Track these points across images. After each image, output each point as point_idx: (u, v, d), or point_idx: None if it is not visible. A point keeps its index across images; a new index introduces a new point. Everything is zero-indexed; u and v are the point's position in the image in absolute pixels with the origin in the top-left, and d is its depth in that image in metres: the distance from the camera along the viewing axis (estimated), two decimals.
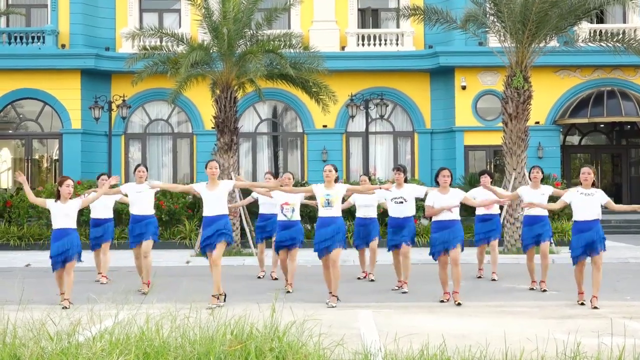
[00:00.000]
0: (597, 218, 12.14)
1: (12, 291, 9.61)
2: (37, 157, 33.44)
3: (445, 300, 12.61)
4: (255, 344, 7.20)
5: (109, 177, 15.81)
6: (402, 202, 13.90)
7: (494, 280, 15.80)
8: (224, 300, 12.31)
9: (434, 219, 12.71)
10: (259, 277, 16.39)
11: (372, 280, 15.78)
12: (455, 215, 12.62)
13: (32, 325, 7.73)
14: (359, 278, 16.03)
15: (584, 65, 31.99)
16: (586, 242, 12.03)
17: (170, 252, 22.37)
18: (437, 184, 12.74)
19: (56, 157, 32.72)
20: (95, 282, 15.65)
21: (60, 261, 12.35)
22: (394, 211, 14.09)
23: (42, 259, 20.97)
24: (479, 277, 16.14)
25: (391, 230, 14.14)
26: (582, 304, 12.17)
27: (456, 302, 12.29)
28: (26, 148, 32.80)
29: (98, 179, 16.22)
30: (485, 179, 15.47)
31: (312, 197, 13.30)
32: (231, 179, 22.22)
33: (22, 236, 24.43)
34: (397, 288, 14.33)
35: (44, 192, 25.47)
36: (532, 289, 14.42)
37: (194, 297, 8.73)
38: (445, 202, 12.51)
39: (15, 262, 20.54)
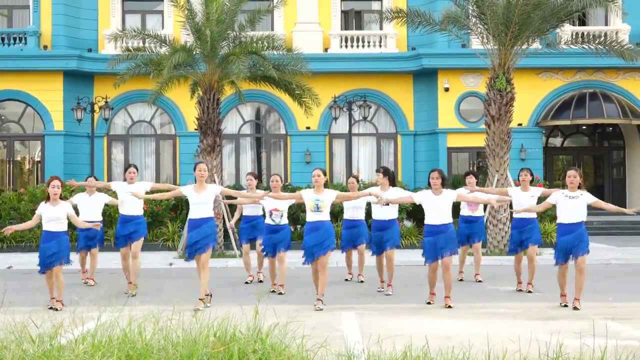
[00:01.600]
0: (582, 220, 12.21)
1: None
2: (19, 158, 33.25)
3: (432, 302, 12.61)
4: (238, 346, 7.18)
5: (96, 179, 15.97)
6: (387, 204, 13.72)
7: (479, 282, 15.84)
8: (210, 301, 12.34)
9: (426, 222, 12.53)
10: (247, 283, 15.79)
11: (361, 282, 15.83)
12: (447, 219, 12.45)
13: (13, 328, 7.69)
14: (346, 280, 15.98)
15: (567, 67, 32.12)
16: (570, 245, 12.10)
17: (153, 254, 22.30)
18: (430, 185, 12.65)
19: (38, 159, 32.55)
20: (81, 283, 15.54)
21: (47, 263, 12.41)
22: (379, 213, 14.16)
23: (24, 260, 20.86)
24: (460, 279, 16.12)
25: (376, 233, 14.15)
26: (565, 305, 12.25)
27: (446, 305, 12.23)
28: (8, 150, 32.62)
29: (86, 180, 16.12)
30: (471, 179, 15.63)
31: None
32: (214, 181, 22.20)
33: (4, 238, 24.29)
34: (381, 289, 14.40)
35: (26, 194, 25.36)
36: (520, 290, 14.49)
37: (177, 299, 8.70)
38: (437, 203, 12.36)
39: None
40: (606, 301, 13.06)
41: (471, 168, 31.97)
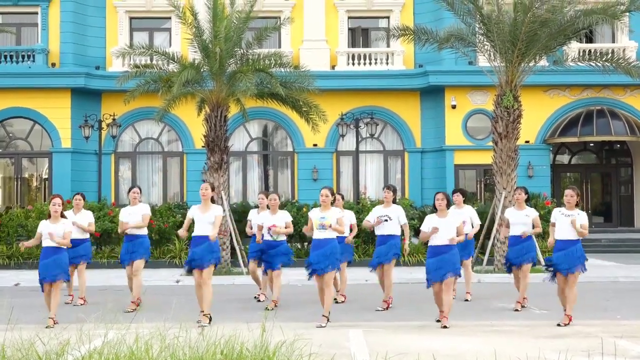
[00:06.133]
0: (577, 238, 12.33)
1: (1, 311, 9.54)
2: (26, 175, 33.35)
3: (441, 320, 12.32)
4: None
5: (84, 197, 15.95)
6: (386, 221, 14.20)
7: (467, 300, 15.59)
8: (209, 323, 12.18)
9: (430, 243, 12.35)
10: (256, 297, 15.75)
11: (342, 302, 15.32)
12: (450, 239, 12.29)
13: (20, 345, 7.68)
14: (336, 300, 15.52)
15: (574, 84, 32.11)
16: (564, 260, 12.24)
17: (160, 271, 22.29)
18: (435, 208, 12.57)
19: (46, 176, 32.64)
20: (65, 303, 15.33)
21: (47, 279, 12.69)
22: (379, 229, 14.43)
23: (31, 278, 20.83)
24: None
25: (378, 248, 14.43)
26: (559, 325, 12.17)
27: (442, 326, 12.04)
28: (16, 167, 32.72)
29: (73, 198, 16.01)
30: (457, 197, 15.50)
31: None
32: (221, 197, 22.20)
33: (11, 255, 24.30)
34: (380, 309, 14.24)
35: (33, 211, 25.39)
36: (516, 309, 14.28)
37: (183, 316, 8.69)
38: (442, 226, 12.18)
39: (4, 281, 20.41)
40: (614, 319, 13.01)
41: (478, 185, 31.95)
